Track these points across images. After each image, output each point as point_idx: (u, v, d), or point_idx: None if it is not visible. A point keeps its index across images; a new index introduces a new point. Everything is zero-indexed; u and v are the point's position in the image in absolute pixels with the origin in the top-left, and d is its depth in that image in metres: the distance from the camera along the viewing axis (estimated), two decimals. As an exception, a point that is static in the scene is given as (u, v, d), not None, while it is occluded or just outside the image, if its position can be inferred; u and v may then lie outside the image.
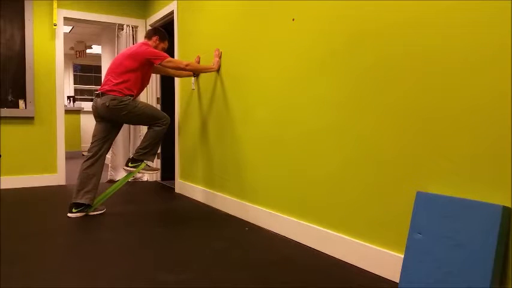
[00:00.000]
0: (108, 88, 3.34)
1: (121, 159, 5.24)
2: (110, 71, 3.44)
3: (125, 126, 5.22)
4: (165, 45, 3.71)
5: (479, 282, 1.54)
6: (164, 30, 3.74)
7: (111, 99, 3.30)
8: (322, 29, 2.44)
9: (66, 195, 4.21)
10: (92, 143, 3.44)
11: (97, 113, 3.40)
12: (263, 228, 2.98)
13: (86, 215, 3.34)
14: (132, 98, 3.38)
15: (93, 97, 3.46)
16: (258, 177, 3.07)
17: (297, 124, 2.66)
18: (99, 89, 3.41)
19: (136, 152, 3.52)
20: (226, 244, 2.60)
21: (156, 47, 3.62)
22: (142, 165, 3.51)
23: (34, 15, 4.77)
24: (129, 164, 3.49)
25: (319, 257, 2.35)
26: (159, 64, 3.47)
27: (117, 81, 3.36)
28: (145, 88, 4.58)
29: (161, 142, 3.61)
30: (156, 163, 5.29)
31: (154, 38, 3.63)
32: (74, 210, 3.28)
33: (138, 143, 5.28)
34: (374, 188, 2.12)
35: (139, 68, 3.41)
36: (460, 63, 1.72)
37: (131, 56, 3.40)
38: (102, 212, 3.44)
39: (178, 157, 4.48)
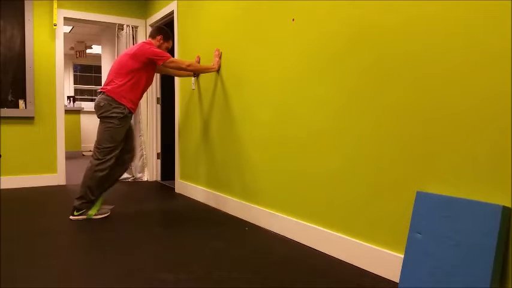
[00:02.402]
0: (111, 89, 3.33)
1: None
2: (113, 70, 3.41)
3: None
4: (169, 44, 3.68)
5: (479, 282, 1.54)
6: (168, 29, 3.72)
7: (108, 101, 3.29)
8: (322, 29, 2.44)
9: (66, 195, 4.21)
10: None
11: (95, 111, 3.40)
12: (263, 228, 2.98)
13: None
14: (122, 115, 3.31)
15: (95, 97, 3.42)
16: (258, 177, 3.07)
17: (297, 124, 2.66)
18: (101, 88, 3.40)
19: (78, 197, 3.28)
20: (226, 244, 2.60)
21: (160, 47, 3.59)
22: (92, 213, 3.29)
23: (34, 15, 4.77)
24: (75, 213, 3.24)
25: (319, 257, 2.35)
26: (161, 64, 3.46)
27: (120, 83, 3.33)
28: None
29: (95, 187, 3.29)
30: (157, 163, 5.30)
31: (158, 37, 3.61)
32: (75, 213, 3.25)
33: (138, 143, 5.28)
34: (374, 188, 2.12)
35: (142, 68, 3.39)
36: (460, 63, 1.72)
37: (134, 55, 3.37)
38: (106, 215, 3.37)
39: (179, 157, 4.48)
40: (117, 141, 3.35)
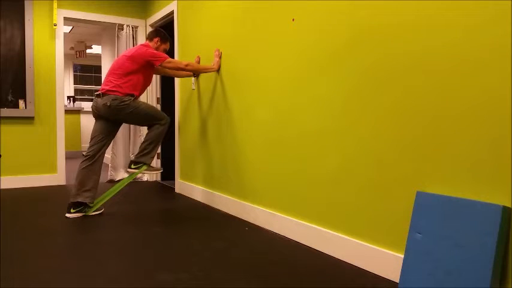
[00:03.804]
0: (109, 88, 3.35)
1: (121, 160, 5.24)
2: (111, 72, 3.44)
3: (125, 126, 5.21)
4: (167, 46, 3.71)
5: (479, 282, 1.54)
6: (165, 32, 3.74)
7: (112, 99, 3.31)
8: (322, 29, 2.44)
9: (66, 195, 4.21)
10: (90, 143, 3.43)
11: (97, 113, 3.40)
12: (263, 228, 2.98)
13: (85, 216, 3.33)
14: (132, 98, 3.39)
15: (94, 97, 3.44)
16: (258, 177, 3.07)
17: (297, 124, 2.66)
18: (100, 90, 3.41)
19: (137, 154, 3.56)
20: (226, 244, 2.60)
21: (157, 49, 3.62)
22: (144, 167, 3.54)
23: (34, 15, 4.77)
24: (132, 166, 3.53)
25: (319, 257, 2.35)
26: (159, 65, 3.47)
27: (118, 82, 3.36)
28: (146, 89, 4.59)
29: (160, 143, 3.66)
30: (156, 163, 5.29)
31: (155, 40, 3.63)
32: (72, 210, 3.27)
33: (138, 143, 5.28)
34: (374, 188, 2.12)
35: (140, 69, 3.42)
36: (460, 63, 1.72)
37: (131, 58, 3.40)
38: (100, 212, 3.43)
39: (178, 157, 4.48)
40: (150, 110, 3.48)
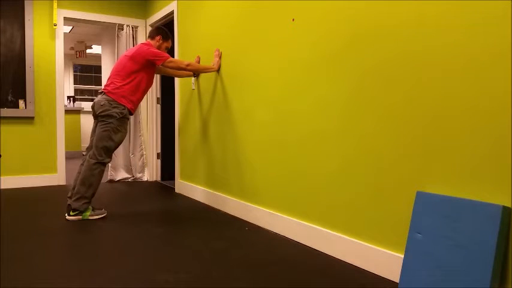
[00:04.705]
0: (111, 90, 3.34)
1: (121, 160, 5.24)
2: (114, 72, 3.43)
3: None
4: (168, 44, 3.70)
5: (479, 282, 1.54)
6: (167, 29, 3.73)
7: (109, 101, 3.30)
8: (322, 29, 2.44)
9: (66, 195, 4.21)
10: (88, 145, 3.41)
11: (93, 110, 3.38)
12: (263, 228, 2.98)
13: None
14: (122, 114, 3.32)
15: (95, 97, 3.43)
16: (258, 177, 3.07)
17: (297, 124, 2.66)
18: (103, 89, 3.42)
19: (73, 195, 3.25)
20: (226, 244, 2.60)
21: (159, 47, 3.61)
22: (86, 214, 3.25)
23: (34, 15, 4.77)
24: (71, 213, 3.22)
25: (319, 257, 2.35)
26: (160, 65, 3.46)
27: (120, 84, 3.35)
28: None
29: (95, 187, 3.28)
30: (157, 163, 5.30)
31: (157, 38, 3.62)
32: (71, 213, 3.24)
33: (138, 143, 5.28)
34: (374, 188, 2.12)
35: (142, 69, 3.41)
36: (460, 64, 1.72)
37: (133, 57, 3.39)
38: (103, 216, 3.35)
39: (179, 157, 4.48)
40: (115, 142, 3.35)
